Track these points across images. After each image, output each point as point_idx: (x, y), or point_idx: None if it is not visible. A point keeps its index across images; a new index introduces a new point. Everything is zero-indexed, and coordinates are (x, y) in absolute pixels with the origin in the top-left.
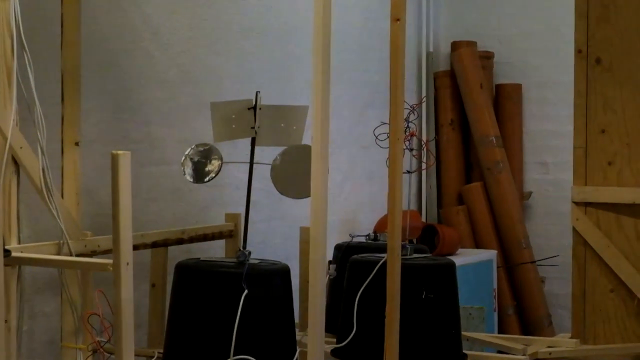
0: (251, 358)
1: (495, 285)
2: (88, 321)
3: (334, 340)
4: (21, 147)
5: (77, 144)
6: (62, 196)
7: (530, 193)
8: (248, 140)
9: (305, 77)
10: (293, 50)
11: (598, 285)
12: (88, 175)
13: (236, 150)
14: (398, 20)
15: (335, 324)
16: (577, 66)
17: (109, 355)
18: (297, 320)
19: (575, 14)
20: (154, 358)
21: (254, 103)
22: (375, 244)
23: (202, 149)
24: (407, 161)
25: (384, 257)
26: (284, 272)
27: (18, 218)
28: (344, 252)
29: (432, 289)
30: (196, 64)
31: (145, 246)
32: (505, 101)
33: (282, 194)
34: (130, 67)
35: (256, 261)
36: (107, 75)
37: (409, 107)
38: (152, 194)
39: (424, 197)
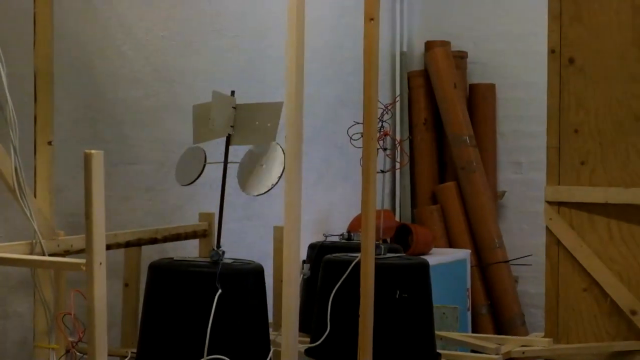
0: (225, 358)
1: (468, 285)
2: (62, 321)
3: (308, 339)
4: None
5: (50, 143)
6: (35, 196)
7: (503, 193)
8: (222, 140)
9: (280, 77)
10: (267, 49)
11: (571, 285)
12: (61, 175)
13: (209, 149)
14: (372, 19)
15: (309, 324)
16: (550, 66)
17: (81, 355)
18: (270, 319)
19: (549, 14)
20: (128, 358)
21: (234, 102)
22: (349, 244)
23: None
24: (381, 161)
25: (357, 257)
26: (258, 271)
27: None
28: (317, 251)
29: (406, 288)
30: (170, 64)
31: (118, 246)
32: (479, 101)
33: (242, 190)
34: (104, 66)
35: (230, 261)
36: (81, 75)
37: (383, 107)
38: (125, 193)
39: (397, 196)
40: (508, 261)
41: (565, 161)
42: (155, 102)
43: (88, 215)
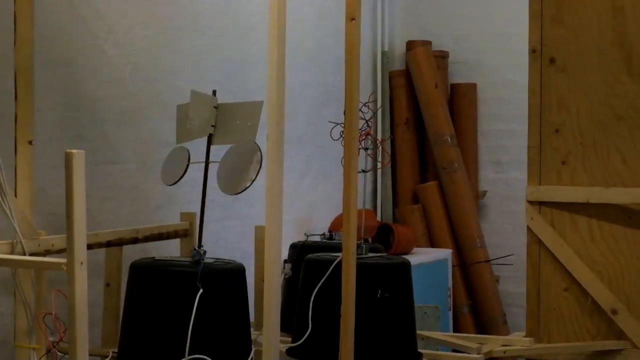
0: (206, 357)
1: (450, 284)
2: (43, 321)
3: (289, 339)
4: None
5: (30, 142)
6: (16, 195)
7: (485, 192)
8: (203, 140)
9: (262, 76)
10: (249, 49)
11: (552, 284)
12: (42, 174)
13: (195, 149)
14: (353, 19)
15: (290, 323)
16: (532, 66)
17: (62, 355)
18: (252, 319)
19: (530, 13)
20: (109, 358)
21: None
22: (330, 243)
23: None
24: (362, 160)
25: (339, 257)
26: (239, 271)
27: None
28: (299, 251)
29: (388, 288)
30: (151, 63)
31: (99, 245)
32: (460, 100)
33: (220, 189)
34: (85, 66)
35: (211, 260)
36: (61, 74)
37: (362, 103)
38: (106, 193)
39: (379, 196)
40: (489, 261)
41: (546, 161)
42: (137, 101)
43: (69, 214)
